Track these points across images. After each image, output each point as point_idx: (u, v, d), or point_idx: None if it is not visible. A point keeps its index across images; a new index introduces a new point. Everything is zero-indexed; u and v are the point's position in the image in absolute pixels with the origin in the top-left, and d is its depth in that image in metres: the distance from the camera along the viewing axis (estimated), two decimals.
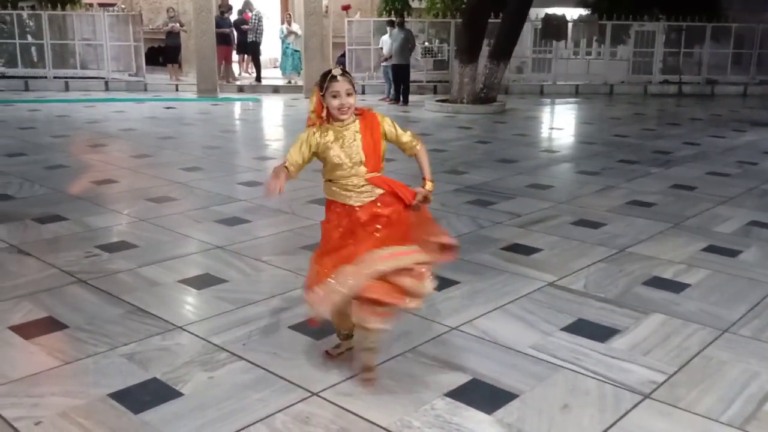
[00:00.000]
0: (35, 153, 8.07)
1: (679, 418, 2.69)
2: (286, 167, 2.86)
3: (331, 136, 2.87)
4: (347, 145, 2.86)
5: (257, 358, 3.12)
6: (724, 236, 5.08)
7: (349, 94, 2.84)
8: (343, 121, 2.87)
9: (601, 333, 3.41)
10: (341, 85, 2.82)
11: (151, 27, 18.21)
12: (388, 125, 2.96)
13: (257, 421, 2.63)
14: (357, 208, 2.86)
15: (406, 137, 2.99)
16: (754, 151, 8.83)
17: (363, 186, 2.87)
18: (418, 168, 3.04)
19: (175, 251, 4.63)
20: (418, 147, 3.01)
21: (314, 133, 2.88)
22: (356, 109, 2.90)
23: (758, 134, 10.42)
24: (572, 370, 3.04)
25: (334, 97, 2.83)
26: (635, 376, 3.00)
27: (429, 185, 3.00)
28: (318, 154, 2.89)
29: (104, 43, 15.98)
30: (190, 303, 3.84)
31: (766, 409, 2.75)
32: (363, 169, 2.87)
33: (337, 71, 2.85)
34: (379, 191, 2.89)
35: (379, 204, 2.88)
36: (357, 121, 2.91)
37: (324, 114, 2.89)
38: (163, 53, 17.49)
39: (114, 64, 16.20)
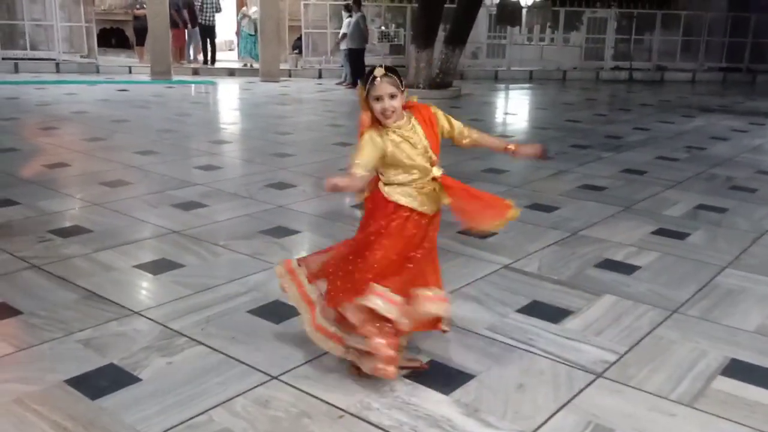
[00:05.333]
0: None
1: (630, 396, 2.78)
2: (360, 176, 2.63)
3: (394, 137, 2.65)
4: (415, 145, 2.66)
5: (216, 342, 3.12)
6: (673, 219, 5.22)
7: (392, 96, 2.61)
8: (391, 123, 2.65)
9: (554, 314, 3.49)
10: (383, 88, 2.60)
11: (102, 8, 17.78)
12: (442, 119, 2.77)
13: (217, 405, 2.63)
14: (427, 217, 2.74)
15: (458, 127, 2.81)
16: (701, 137, 9.07)
17: (433, 189, 2.71)
18: (488, 147, 2.96)
19: (130, 236, 4.57)
20: (467, 131, 2.83)
21: (376, 136, 2.65)
22: (408, 103, 2.71)
23: (706, 120, 10.69)
24: (527, 351, 3.11)
25: (377, 100, 2.62)
26: (588, 355, 3.08)
27: (513, 145, 2.89)
28: (383, 158, 2.66)
29: (54, 24, 15.55)
30: (147, 288, 3.81)
31: (713, 387, 2.85)
32: (434, 169, 2.70)
33: (378, 71, 2.62)
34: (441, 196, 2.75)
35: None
36: (412, 117, 2.70)
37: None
38: (136, 35, 17.14)
39: (65, 45, 15.81)
